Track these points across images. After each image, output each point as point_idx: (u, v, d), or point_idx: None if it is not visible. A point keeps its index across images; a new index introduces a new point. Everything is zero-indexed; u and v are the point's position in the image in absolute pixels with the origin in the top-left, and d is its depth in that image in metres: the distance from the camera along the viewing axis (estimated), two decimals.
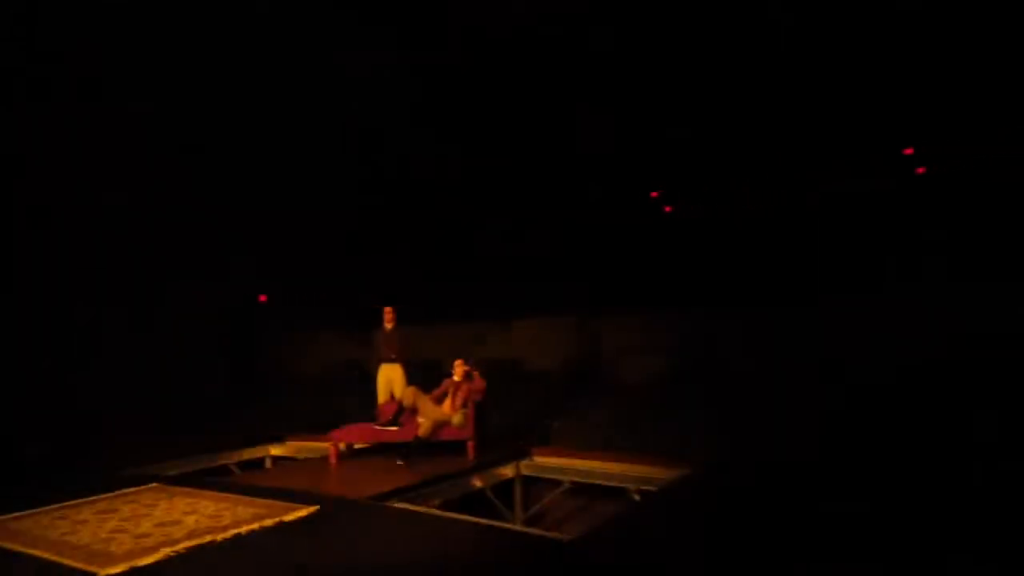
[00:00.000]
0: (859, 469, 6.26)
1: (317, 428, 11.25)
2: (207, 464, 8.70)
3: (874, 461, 6.58)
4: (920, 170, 15.14)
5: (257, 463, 9.46)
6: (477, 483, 7.14)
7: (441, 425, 7.50)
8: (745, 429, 8.78)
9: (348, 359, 13.90)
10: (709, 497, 5.63)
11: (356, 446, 8.15)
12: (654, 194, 19.13)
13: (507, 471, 7.58)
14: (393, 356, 8.46)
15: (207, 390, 13.76)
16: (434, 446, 7.50)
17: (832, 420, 8.46)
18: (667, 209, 19.18)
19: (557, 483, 7.51)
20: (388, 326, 8.52)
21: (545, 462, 7.71)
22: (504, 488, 7.57)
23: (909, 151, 15.22)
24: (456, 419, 7.43)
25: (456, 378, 7.72)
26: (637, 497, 6.91)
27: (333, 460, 7.59)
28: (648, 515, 5.42)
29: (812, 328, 11.58)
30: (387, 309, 8.54)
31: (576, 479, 7.39)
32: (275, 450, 9.59)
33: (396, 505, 6.05)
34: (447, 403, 7.62)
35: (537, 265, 17.39)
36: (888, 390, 8.63)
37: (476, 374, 7.70)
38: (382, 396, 8.51)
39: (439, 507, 6.51)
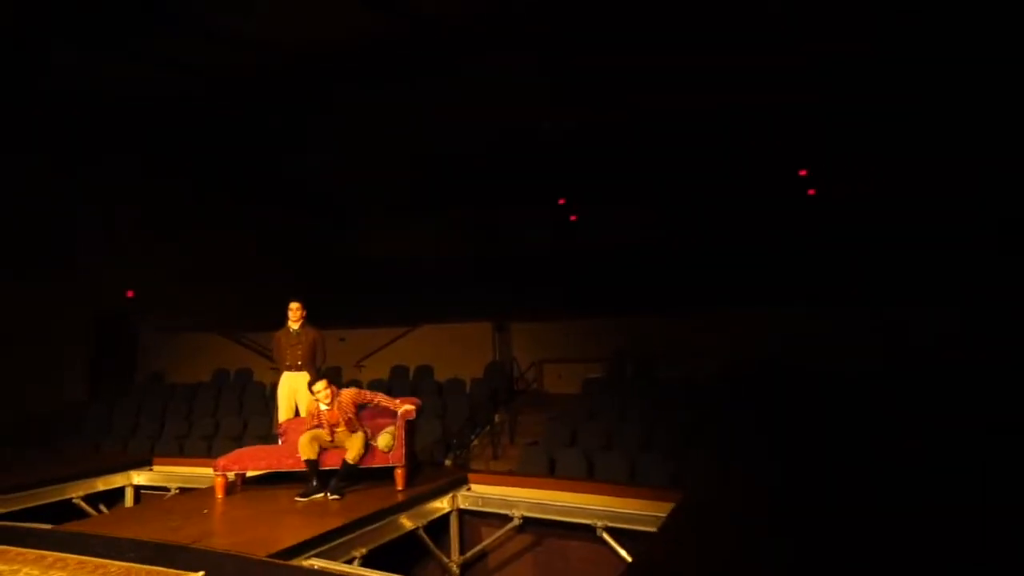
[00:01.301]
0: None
1: (196, 450, 9.19)
2: (46, 499, 6.55)
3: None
4: (811, 192, 14.83)
5: (115, 496, 7.34)
6: (407, 523, 5.48)
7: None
8: (692, 444, 7.59)
9: (240, 367, 11.75)
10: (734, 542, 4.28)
11: (250, 473, 6.25)
12: (562, 201, 18.20)
13: (442, 504, 5.95)
14: (299, 363, 6.66)
15: (59, 401, 11.26)
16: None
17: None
18: (572, 218, 18.30)
19: (503, 518, 5.95)
20: (294, 325, 6.72)
21: (487, 492, 6.13)
22: (440, 526, 5.94)
23: (803, 172, 14.87)
24: (382, 441, 5.73)
25: (323, 405, 5.92)
26: (606, 536, 5.47)
27: (220, 495, 5.69)
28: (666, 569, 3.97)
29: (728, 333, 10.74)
30: (293, 305, 6.74)
31: (527, 513, 5.87)
32: (140, 477, 7.49)
33: (310, 564, 4.33)
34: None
35: (446, 267, 15.89)
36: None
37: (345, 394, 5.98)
38: (285, 412, 6.69)
39: (364, 560, 4.83)
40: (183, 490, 6.98)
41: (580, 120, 13.52)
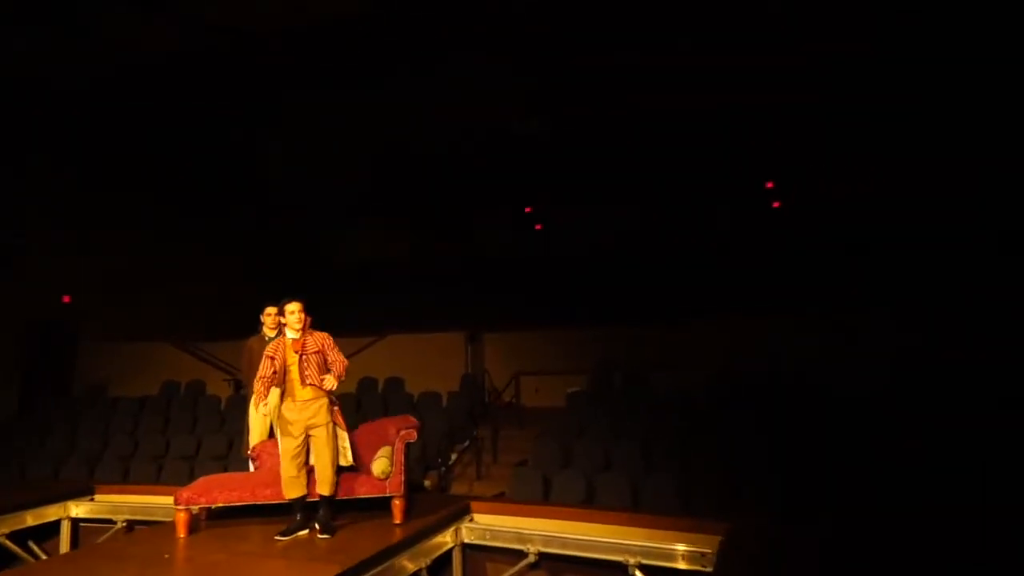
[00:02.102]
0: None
1: (143, 474, 8.02)
2: None
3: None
4: (776, 204, 14.49)
5: (48, 532, 6.17)
6: (408, 565, 4.56)
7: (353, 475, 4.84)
8: (696, 461, 6.84)
9: (192, 379, 10.54)
10: None
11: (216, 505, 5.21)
12: (528, 208, 17.50)
13: (444, 539, 5.04)
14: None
15: None
16: (338, 506, 4.83)
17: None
18: (537, 227, 17.61)
19: (515, 553, 5.08)
20: (270, 333, 5.72)
21: (495, 523, 5.24)
22: (443, 564, 5.03)
23: (770, 184, 14.51)
24: (378, 466, 4.79)
25: (293, 332, 4.91)
26: (640, 575, 4.66)
27: (182, 534, 4.64)
28: None
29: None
30: (268, 310, 5.75)
31: (544, 548, 5.00)
32: (78, 509, 6.32)
33: None
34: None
35: (413, 273, 14.94)
36: None
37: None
38: (257, 433, 5.67)
39: None
40: (131, 524, 5.88)
41: (556, 121, 12.85)
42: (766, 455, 6.61)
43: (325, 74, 11.76)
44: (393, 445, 4.88)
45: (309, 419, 4.70)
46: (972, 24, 7.94)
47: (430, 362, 11.34)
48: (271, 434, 5.62)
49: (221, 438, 8.66)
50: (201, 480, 5.00)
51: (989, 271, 8.41)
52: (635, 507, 6.37)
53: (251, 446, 5.52)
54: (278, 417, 4.81)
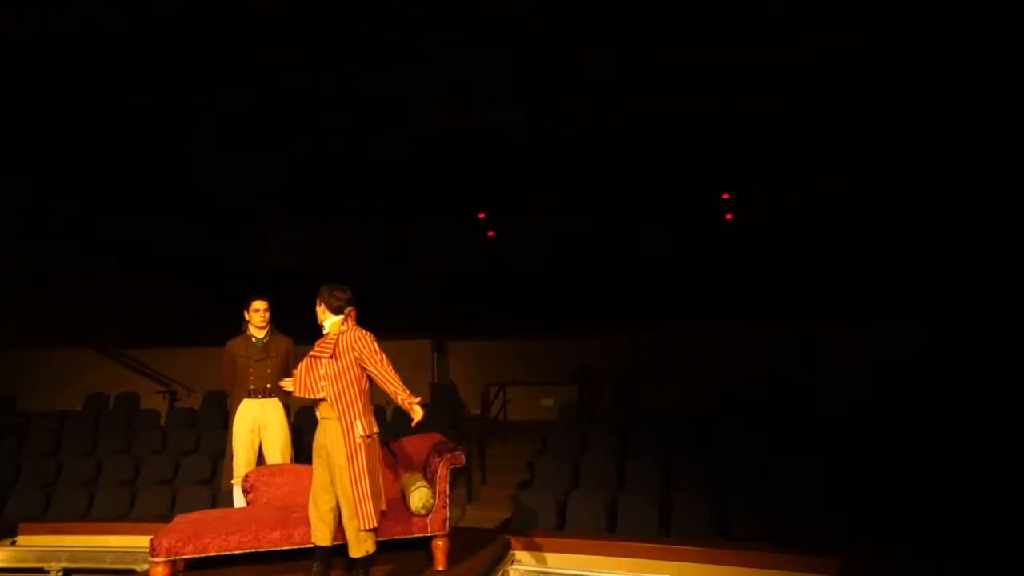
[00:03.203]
0: None
1: (71, 505, 6.56)
2: None
3: None
4: (728, 216, 14.20)
5: None
6: None
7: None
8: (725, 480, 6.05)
9: (123, 391, 8.99)
10: None
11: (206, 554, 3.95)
12: (481, 215, 16.60)
13: None
14: (268, 385, 4.50)
15: None
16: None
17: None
18: (489, 234, 16.76)
19: None
20: (258, 333, 4.57)
21: (546, 564, 4.26)
22: None
23: (725, 196, 14.21)
24: (418, 499, 3.72)
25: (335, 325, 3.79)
26: None
27: None
28: None
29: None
30: (257, 304, 4.60)
31: None
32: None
33: None
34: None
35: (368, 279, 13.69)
36: None
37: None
38: (244, 459, 4.48)
39: None
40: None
41: (515, 121, 11.99)
42: (807, 473, 5.90)
43: (259, 69, 10.49)
44: (429, 471, 3.83)
45: (328, 443, 3.62)
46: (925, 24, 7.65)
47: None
48: (260, 459, 4.46)
49: (165, 460, 7.29)
50: (181, 521, 3.78)
51: (975, 274, 8.12)
52: (665, 533, 5.54)
53: (237, 473, 4.34)
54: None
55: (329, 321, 3.71)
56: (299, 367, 3.71)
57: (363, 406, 3.59)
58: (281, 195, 14.15)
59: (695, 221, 13.04)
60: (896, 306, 8.03)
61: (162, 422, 8.30)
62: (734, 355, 9.06)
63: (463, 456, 3.82)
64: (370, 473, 3.55)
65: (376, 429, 3.65)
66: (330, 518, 3.60)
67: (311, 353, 3.71)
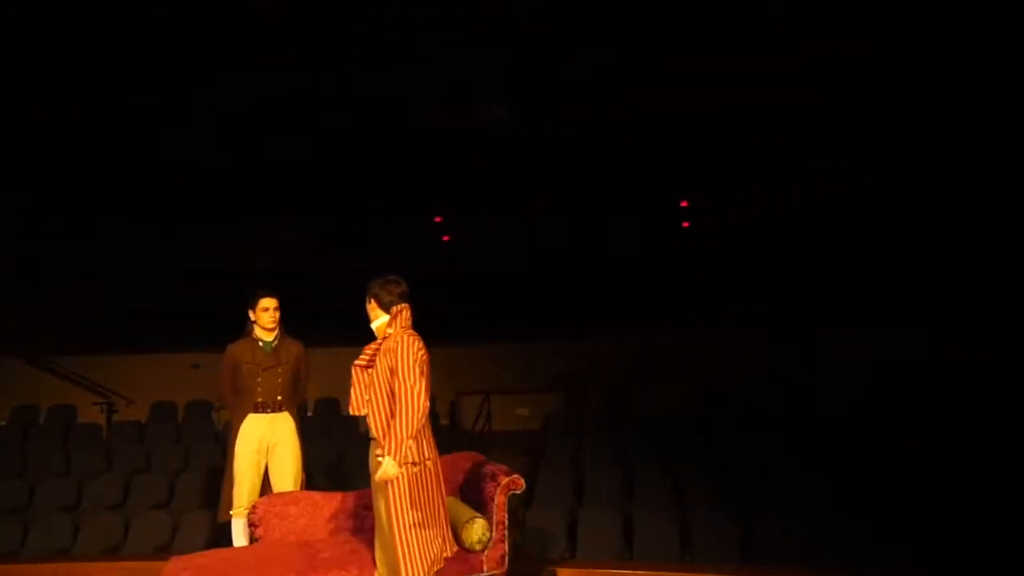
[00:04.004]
0: None
1: (7, 539, 5.55)
2: None
3: None
4: (685, 224, 14.08)
5: None
6: None
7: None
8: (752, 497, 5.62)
9: (56, 404, 7.86)
10: None
11: None
12: (438, 219, 15.93)
13: None
14: (278, 397, 3.77)
15: None
16: None
17: None
18: (445, 238, 16.11)
19: None
20: (266, 335, 3.83)
21: None
22: None
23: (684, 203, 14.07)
24: (473, 534, 3.08)
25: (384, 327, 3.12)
26: None
27: None
28: None
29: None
30: (266, 303, 3.86)
31: None
32: None
33: None
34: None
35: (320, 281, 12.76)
36: None
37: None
38: (247, 483, 3.72)
39: None
40: None
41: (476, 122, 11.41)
42: (828, 485, 5.54)
43: (214, 65, 9.56)
44: (479, 499, 3.20)
45: (372, 471, 2.96)
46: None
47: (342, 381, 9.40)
48: (265, 485, 3.71)
49: (113, 480, 6.33)
50: (179, 565, 3.02)
51: (976, 275, 8.05)
52: (689, 556, 5.05)
53: (239, 502, 3.58)
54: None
55: (377, 322, 3.04)
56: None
57: None
58: (232, 194, 13.08)
59: (692, 220, 12.73)
60: (895, 308, 7.90)
61: (103, 437, 7.31)
62: (728, 358, 8.74)
63: (522, 480, 3.20)
64: (419, 510, 2.86)
65: (428, 455, 2.96)
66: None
67: (356, 361, 3.04)
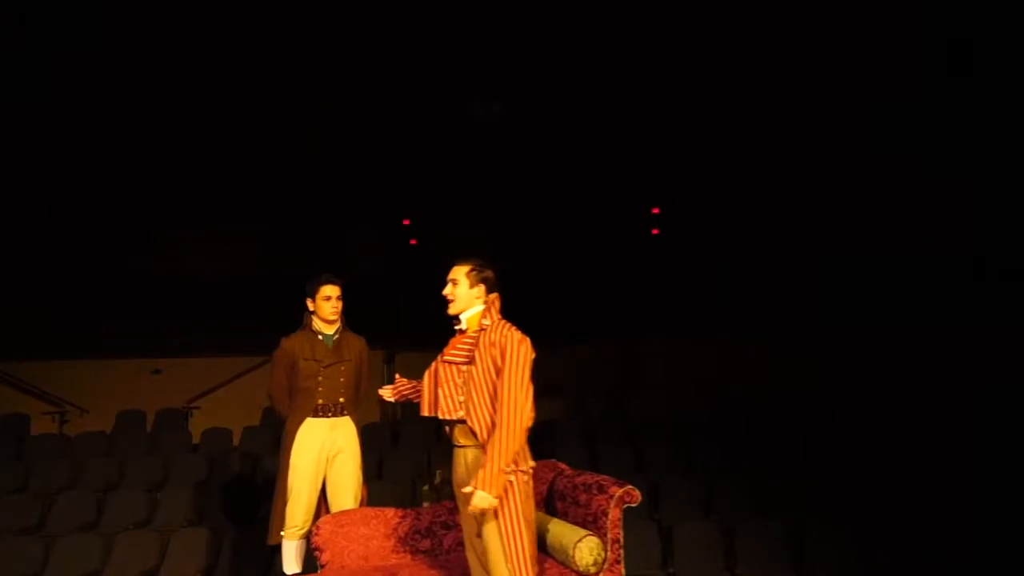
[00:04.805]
0: None
1: None
2: None
3: None
4: (655, 231, 14.02)
5: None
6: None
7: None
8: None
9: (6, 414, 6.95)
10: None
11: None
12: (406, 221, 15.31)
13: None
14: (340, 400, 3.25)
15: None
16: None
17: None
18: (412, 241, 15.51)
19: None
20: (327, 329, 3.31)
21: None
22: None
23: (656, 210, 14.01)
24: (586, 555, 2.64)
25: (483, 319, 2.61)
26: None
27: None
28: None
29: None
30: (328, 290, 3.33)
31: None
32: None
33: None
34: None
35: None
36: None
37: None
38: (304, 499, 3.17)
39: None
40: None
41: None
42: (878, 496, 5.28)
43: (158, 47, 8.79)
44: (585, 514, 2.79)
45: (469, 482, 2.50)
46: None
47: None
48: (323, 500, 3.17)
49: (83, 497, 5.59)
50: None
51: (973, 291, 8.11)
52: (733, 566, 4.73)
53: (295, 522, 3.04)
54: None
55: (469, 312, 2.58)
56: (426, 375, 2.58)
57: None
58: (173, 191, 12.12)
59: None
60: (892, 318, 7.89)
61: (61, 450, 6.51)
62: (727, 363, 8.55)
63: (637, 492, 2.81)
64: (527, 524, 2.44)
65: (532, 463, 2.54)
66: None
67: (443, 356, 2.57)
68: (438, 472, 6.78)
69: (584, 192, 11.85)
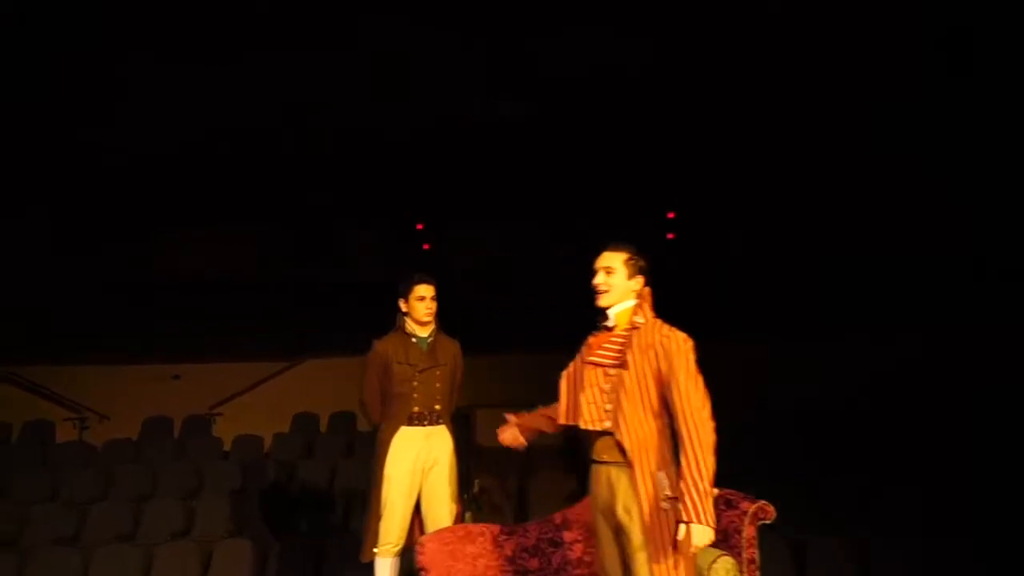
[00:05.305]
0: None
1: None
2: None
3: None
4: (670, 236, 13.86)
5: None
6: None
7: None
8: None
9: (31, 420, 6.62)
10: None
11: None
12: (420, 225, 15.06)
13: None
14: (436, 407, 3.01)
15: None
16: None
17: None
18: (425, 246, 15.26)
19: None
20: (422, 331, 3.07)
21: None
22: None
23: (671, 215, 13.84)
24: (722, 574, 2.43)
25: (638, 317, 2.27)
26: None
27: None
28: None
29: None
30: (423, 288, 3.09)
31: None
32: None
33: None
34: None
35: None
36: None
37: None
38: (399, 513, 2.93)
39: None
40: None
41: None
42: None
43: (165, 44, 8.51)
44: (728, 532, 2.55)
45: (616, 505, 2.21)
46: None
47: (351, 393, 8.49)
48: (417, 514, 2.93)
49: (117, 507, 5.32)
50: None
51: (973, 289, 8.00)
52: None
53: (390, 538, 2.80)
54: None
55: (619, 307, 2.27)
56: (563, 378, 2.33)
57: (669, 447, 2.18)
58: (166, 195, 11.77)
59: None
60: (892, 318, 7.75)
61: (98, 458, 6.23)
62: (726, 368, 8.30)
63: (772, 508, 2.57)
64: (687, 561, 2.14)
65: None
66: None
67: (586, 356, 2.31)
68: (476, 481, 6.54)
69: (598, 195, 11.65)
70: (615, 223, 12.10)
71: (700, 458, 2.03)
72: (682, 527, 2.04)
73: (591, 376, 2.24)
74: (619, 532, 2.18)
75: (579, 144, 10.17)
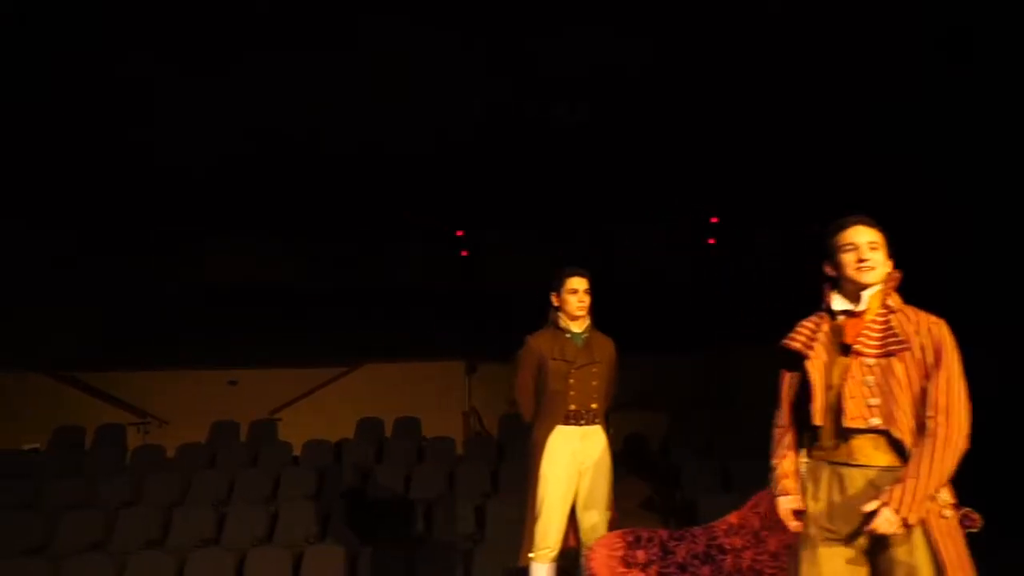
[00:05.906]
0: None
1: None
2: None
3: None
4: (711, 240, 13.61)
5: None
6: None
7: None
8: None
9: (102, 424, 6.50)
10: None
11: None
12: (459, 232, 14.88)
13: None
14: (592, 405, 2.83)
15: None
16: None
17: None
18: (463, 253, 15.09)
19: None
20: (576, 327, 2.90)
21: None
22: None
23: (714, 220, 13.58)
24: None
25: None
26: None
27: None
28: None
29: None
30: (575, 280, 2.93)
31: None
32: None
33: None
34: None
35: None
36: None
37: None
38: (556, 516, 2.75)
39: None
40: None
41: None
42: None
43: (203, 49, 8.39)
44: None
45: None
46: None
47: (416, 400, 8.34)
48: (571, 520, 2.74)
49: (199, 512, 5.21)
50: None
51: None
52: None
53: (547, 542, 2.62)
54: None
55: (871, 290, 1.99)
56: (812, 373, 2.05)
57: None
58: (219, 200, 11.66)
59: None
60: None
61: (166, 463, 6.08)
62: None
63: (978, 516, 2.35)
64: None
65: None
66: None
67: (860, 348, 1.95)
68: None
69: (638, 200, 11.41)
70: (651, 228, 11.89)
71: (945, 460, 1.80)
72: (878, 507, 1.80)
73: (859, 370, 1.93)
74: (879, 548, 1.88)
75: (629, 147, 9.99)
